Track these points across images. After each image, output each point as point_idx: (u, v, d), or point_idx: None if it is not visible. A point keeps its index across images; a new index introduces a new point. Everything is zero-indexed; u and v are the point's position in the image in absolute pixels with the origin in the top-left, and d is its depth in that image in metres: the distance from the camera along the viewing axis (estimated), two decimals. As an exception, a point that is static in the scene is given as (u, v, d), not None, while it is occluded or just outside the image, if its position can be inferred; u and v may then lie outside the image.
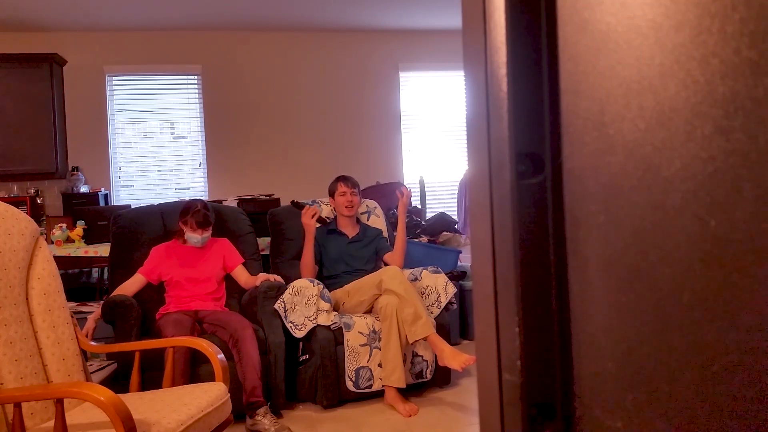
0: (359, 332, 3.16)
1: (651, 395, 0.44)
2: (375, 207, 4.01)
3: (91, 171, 6.01)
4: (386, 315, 3.10)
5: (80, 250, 3.89)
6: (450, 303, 3.39)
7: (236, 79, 6.31)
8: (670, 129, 0.42)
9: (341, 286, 3.45)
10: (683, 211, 0.41)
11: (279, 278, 3.29)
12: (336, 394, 3.12)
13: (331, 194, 3.70)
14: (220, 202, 4.41)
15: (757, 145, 0.37)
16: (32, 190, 5.67)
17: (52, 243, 3.92)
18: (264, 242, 3.87)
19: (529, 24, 0.50)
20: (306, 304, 3.15)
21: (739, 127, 0.37)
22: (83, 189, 5.79)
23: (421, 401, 3.18)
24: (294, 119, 6.46)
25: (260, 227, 3.83)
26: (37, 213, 5.48)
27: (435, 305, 3.34)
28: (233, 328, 2.97)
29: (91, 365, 3.05)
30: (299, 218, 3.78)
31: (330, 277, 3.54)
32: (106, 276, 4.56)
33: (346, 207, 3.61)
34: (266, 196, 4.91)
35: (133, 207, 3.99)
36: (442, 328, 3.31)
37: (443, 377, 3.34)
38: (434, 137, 6.82)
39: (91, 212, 4.23)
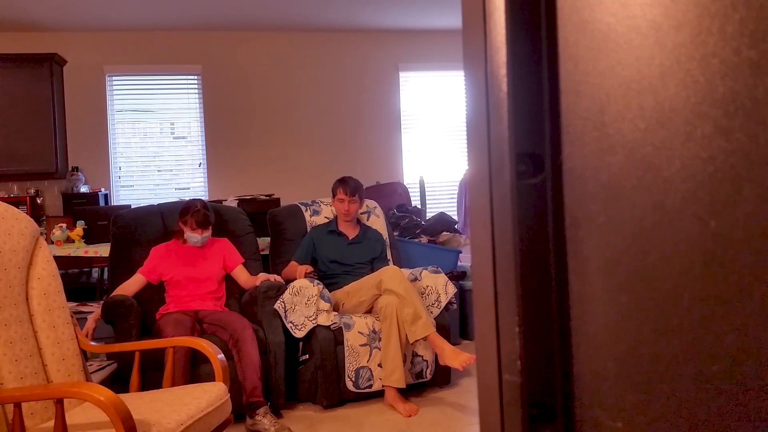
0: (359, 332, 3.16)
1: (651, 395, 0.44)
2: (375, 207, 4.01)
3: (91, 171, 6.01)
4: (386, 315, 3.10)
5: (80, 250, 3.89)
6: (450, 303, 3.39)
7: (236, 79, 6.31)
8: (670, 129, 0.42)
9: (341, 287, 3.45)
10: (683, 211, 0.41)
11: (279, 278, 3.29)
12: (336, 394, 3.12)
13: (333, 196, 3.68)
14: (220, 202, 4.41)
15: (757, 145, 0.37)
16: (32, 190, 5.66)
17: (52, 243, 3.92)
18: (264, 242, 3.87)
19: (529, 24, 0.50)
20: (306, 304, 3.15)
21: (739, 127, 0.37)
22: (83, 189, 5.79)
23: (421, 401, 3.18)
24: (294, 119, 6.45)
25: (260, 227, 3.83)
26: (37, 213, 5.48)
27: (435, 305, 3.34)
28: (233, 328, 2.97)
29: (91, 365, 3.05)
30: (299, 218, 3.79)
31: (329, 276, 3.53)
32: (106, 276, 4.56)
33: (343, 213, 3.62)
34: (266, 196, 4.91)
35: (133, 207, 3.99)
36: (442, 328, 3.31)
37: (443, 377, 3.34)
38: (434, 137, 6.82)
39: (91, 212, 4.23)
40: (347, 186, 3.61)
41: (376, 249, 3.70)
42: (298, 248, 3.62)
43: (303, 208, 3.85)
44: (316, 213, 3.84)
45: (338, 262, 3.56)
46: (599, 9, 0.46)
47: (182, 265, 3.23)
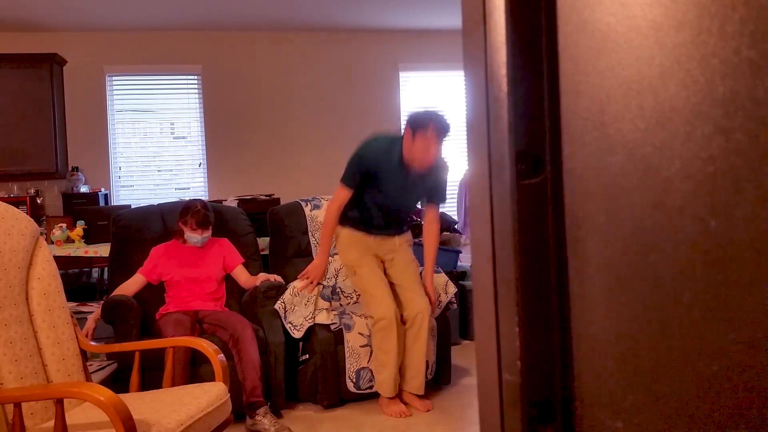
0: (359, 333, 3.16)
1: (651, 395, 0.44)
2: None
3: (91, 171, 6.01)
4: (416, 322, 3.06)
5: (80, 250, 3.89)
6: (450, 303, 3.39)
7: (236, 79, 6.31)
8: (670, 129, 0.42)
9: (369, 228, 3.15)
10: (683, 211, 0.41)
11: (279, 278, 3.29)
12: (336, 394, 3.12)
13: (413, 130, 2.98)
14: (220, 202, 4.41)
15: (757, 145, 0.37)
16: (32, 190, 5.67)
17: (52, 243, 3.92)
18: (264, 242, 3.87)
19: (529, 24, 0.50)
20: (305, 304, 3.15)
21: (739, 127, 0.37)
22: (83, 189, 5.79)
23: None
24: (294, 119, 6.46)
25: (260, 227, 3.83)
26: (37, 213, 5.48)
27: (435, 305, 3.34)
28: (233, 328, 2.97)
29: (91, 365, 3.04)
30: (299, 215, 3.76)
31: (367, 201, 3.16)
32: (106, 276, 4.56)
33: (427, 160, 2.96)
34: (266, 196, 4.91)
35: (133, 207, 3.99)
36: (442, 327, 3.32)
37: (443, 377, 3.34)
38: (434, 137, 6.81)
39: (91, 212, 4.23)
40: (440, 123, 2.94)
41: (438, 185, 3.22)
42: (347, 171, 3.11)
43: (303, 204, 3.84)
44: (316, 207, 3.82)
45: (391, 193, 3.11)
46: (599, 9, 0.46)
47: (182, 265, 3.23)
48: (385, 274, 3.20)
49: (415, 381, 3.06)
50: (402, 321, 3.10)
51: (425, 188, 3.19)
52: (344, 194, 3.12)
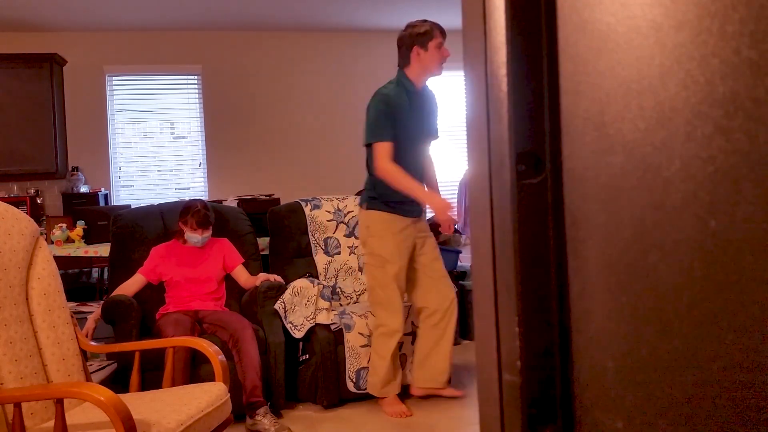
0: (359, 333, 3.16)
1: (651, 395, 0.44)
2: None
3: (91, 171, 6.01)
4: (447, 311, 3.00)
5: (80, 250, 3.89)
6: (450, 303, 3.39)
7: (236, 79, 6.31)
8: (670, 129, 0.42)
9: (405, 210, 2.98)
10: (683, 211, 0.41)
11: (279, 278, 3.29)
12: (336, 394, 3.12)
13: (422, 44, 3.02)
14: (220, 202, 4.41)
15: (757, 145, 0.37)
16: (32, 190, 5.66)
17: (52, 243, 3.92)
18: (264, 242, 3.87)
19: (529, 24, 0.50)
20: (306, 304, 3.15)
21: (739, 127, 0.37)
22: (83, 189, 5.79)
23: (421, 401, 3.18)
24: (294, 119, 6.45)
25: (260, 227, 3.83)
26: (37, 213, 5.48)
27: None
28: (233, 328, 2.97)
29: (91, 365, 3.04)
30: (299, 215, 3.75)
31: (403, 155, 2.99)
32: (106, 276, 4.55)
33: (438, 60, 3.01)
34: (266, 196, 4.90)
35: (133, 207, 3.99)
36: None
37: (443, 377, 3.35)
38: (434, 137, 6.81)
39: (91, 212, 4.23)
40: (438, 25, 2.99)
41: (437, 114, 3.23)
42: (380, 125, 2.98)
43: (303, 204, 3.84)
44: (316, 207, 3.83)
45: (416, 134, 3.06)
46: (599, 9, 0.46)
47: (182, 265, 3.23)
48: (414, 261, 3.05)
49: (444, 376, 3.02)
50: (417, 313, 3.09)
51: (434, 118, 3.24)
52: (386, 148, 2.93)
